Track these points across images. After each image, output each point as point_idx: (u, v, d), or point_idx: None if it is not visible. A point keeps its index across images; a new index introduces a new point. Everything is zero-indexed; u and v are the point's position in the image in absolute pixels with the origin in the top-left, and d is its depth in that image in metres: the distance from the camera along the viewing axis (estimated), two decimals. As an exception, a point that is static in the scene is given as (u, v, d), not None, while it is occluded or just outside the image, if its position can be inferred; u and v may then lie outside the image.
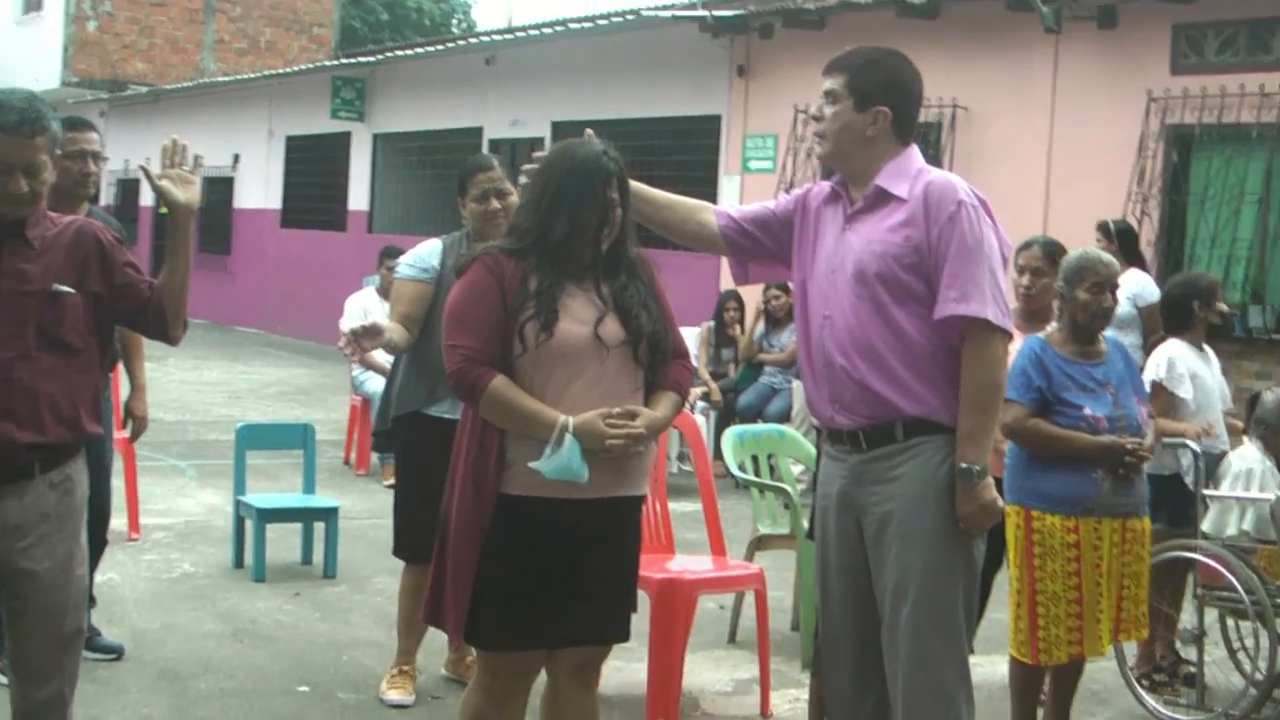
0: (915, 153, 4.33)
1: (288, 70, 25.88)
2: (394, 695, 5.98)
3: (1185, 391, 6.54)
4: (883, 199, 4.23)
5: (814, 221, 4.40)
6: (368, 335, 5.24)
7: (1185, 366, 6.59)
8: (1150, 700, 6.33)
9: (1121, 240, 9.51)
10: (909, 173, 4.24)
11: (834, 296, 4.23)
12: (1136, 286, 9.00)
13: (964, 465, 4.09)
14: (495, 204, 5.76)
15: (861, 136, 4.25)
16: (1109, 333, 5.68)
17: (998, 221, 4.23)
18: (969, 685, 4.22)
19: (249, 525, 8.03)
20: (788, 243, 4.47)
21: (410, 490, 5.92)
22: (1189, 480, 6.41)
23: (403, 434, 5.97)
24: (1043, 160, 12.62)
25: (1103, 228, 9.65)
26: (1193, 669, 6.43)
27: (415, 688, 6.04)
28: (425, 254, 5.93)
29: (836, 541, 4.34)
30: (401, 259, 6.07)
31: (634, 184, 4.39)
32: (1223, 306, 6.83)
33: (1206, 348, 6.89)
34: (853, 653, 4.33)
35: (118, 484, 7.01)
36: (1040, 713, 5.78)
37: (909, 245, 4.14)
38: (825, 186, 4.43)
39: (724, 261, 15.34)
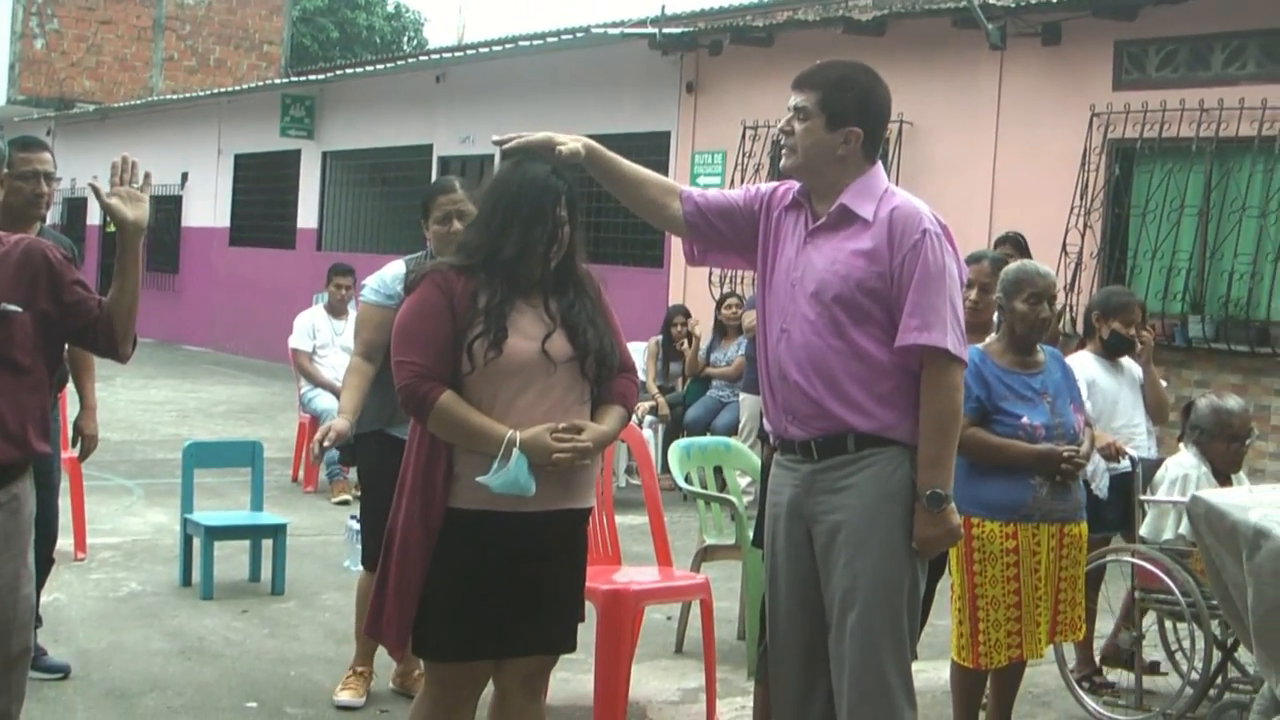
0: (880, 171, 4.34)
1: (237, 88, 25.86)
2: (344, 696, 6.09)
3: None
4: (847, 218, 4.23)
5: (775, 227, 4.39)
6: (338, 440, 5.67)
7: (1082, 373, 6.73)
8: (1090, 702, 6.45)
9: (1019, 249, 9.62)
10: (874, 193, 4.25)
11: (792, 311, 4.25)
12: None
13: (933, 490, 4.13)
14: (456, 225, 5.81)
15: (832, 155, 4.24)
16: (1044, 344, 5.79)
17: (957, 248, 4.27)
18: (912, 692, 4.27)
19: (196, 543, 8.02)
20: (748, 235, 4.45)
21: (374, 504, 6.02)
22: (1095, 486, 6.54)
23: (365, 451, 6.06)
24: (987, 174, 12.75)
25: (1013, 241, 9.67)
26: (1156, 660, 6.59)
27: (367, 690, 6.12)
28: (389, 279, 5.99)
29: (786, 549, 4.37)
30: (367, 282, 6.11)
31: (605, 153, 4.39)
32: (1120, 327, 6.92)
33: (1127, 361, 7.04)
34: (799, 660, 4.37)
35: (64, 503, 7.00)
36: (982, 716, 5.87)
37: (871, 271, 4.16)
38: (788, 191, 4.40)
39: (672, 276, 15.49)
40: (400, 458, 4.42)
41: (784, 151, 4.35)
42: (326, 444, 5.73)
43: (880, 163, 4.37)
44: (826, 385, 4.19)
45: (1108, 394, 6.88)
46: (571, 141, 4.29)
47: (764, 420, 4.50)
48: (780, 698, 4.47)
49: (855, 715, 4.19)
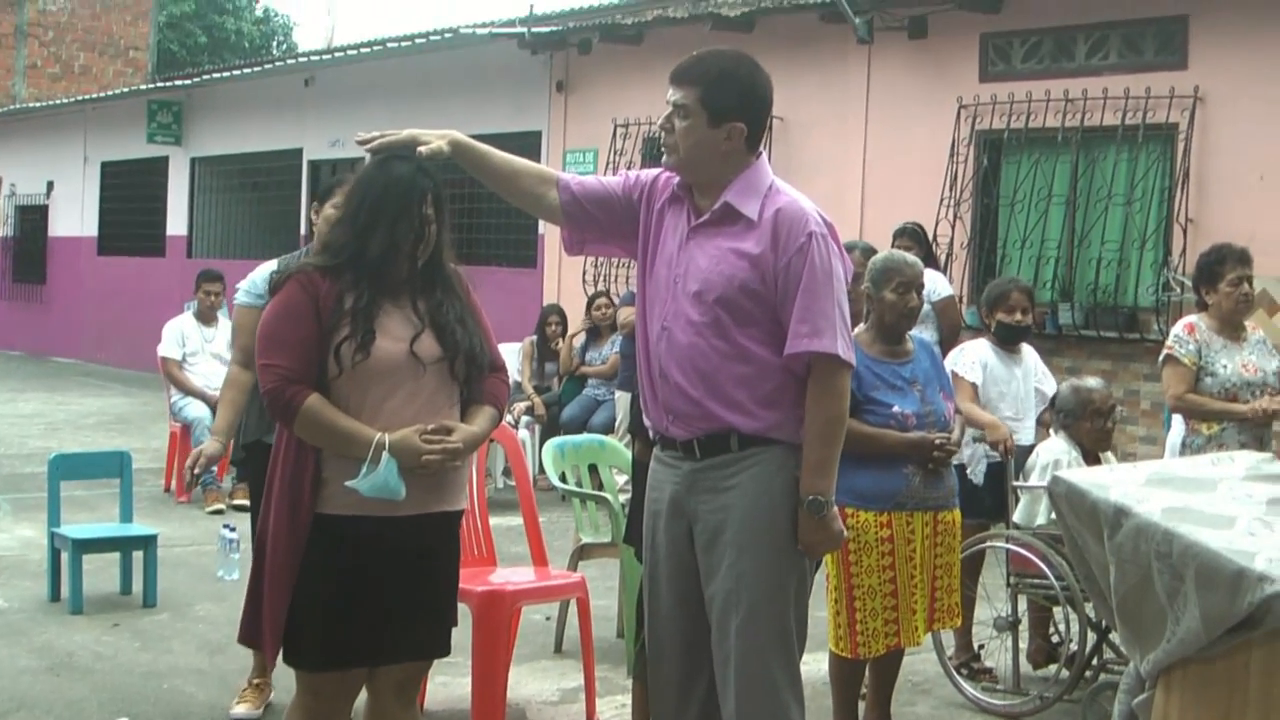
0: (763, 165, 4.23)
1: (103, 95, 25.38)
2: (239, 709, 5.97)
3: (974, 377, 6.83)
4: (730, 216, 4.14)
5: (656, 220, 4.30)
6: (209, 464, 5.74)
7: (976, 356, 6.90)
8: (969, 688, 6.51)
9: (918, 242, 9.75)
10: (759, 190, 4.16)
11: (673, 309, 4.18)
12: (930, 284, 9.20)
13: (814, 497, 4.09)
14: None
15: (715, 152, 4.13)
16: (914, 331, 5.83)
17: (842, 246, 4.20)
18: (800, 691, 4.25)
19: (64, 557, 7.84)
20: (627, 225, 4.35)
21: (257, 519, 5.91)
22: (970, 472, 6.64)
23: (251, 461, 5.96)
24: (858, 168, 12.83)
25: (912, 233, 9.82)
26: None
27: (264, 701, 6.00)
28: (258, 280, 5.89)
29: (666, 546, 4.32)
30: (239, 285, 6.00)
31: (474, 146, 4.29)
32: (1004, 316, 7.01)
33: (1025, 349, 7.12)
34: (678, 656, 4.33)
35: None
36: (862, 706, 5.89)
37: (755, 273, 4.08)
38: (669, 182, 4.29)
39: (546, 276, 15.46)
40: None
41: (664, 149, 4.23)
42: (198, 470, 5.68)
43: (764, 155, 4.27)
44: (708, 386, 4.14)
45: (998, 381, 6.94)
46: (436, 139, 4.20)
47: (644, 416, 4.44)
48: (659, 694, 4.43)
49: (742, 715, 4.16)
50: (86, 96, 25.86)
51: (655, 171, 4.39)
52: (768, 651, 4.14)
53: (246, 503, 8.06)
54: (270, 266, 5.91)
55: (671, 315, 4.19)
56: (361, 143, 4.26)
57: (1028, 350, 7.19)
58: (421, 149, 4.17)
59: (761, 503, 4.13)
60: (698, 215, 4.22)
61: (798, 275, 4.06)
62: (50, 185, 25.39)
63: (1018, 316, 7.01)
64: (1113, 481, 3.58)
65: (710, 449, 4.18)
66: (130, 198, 23.85)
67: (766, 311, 4.11)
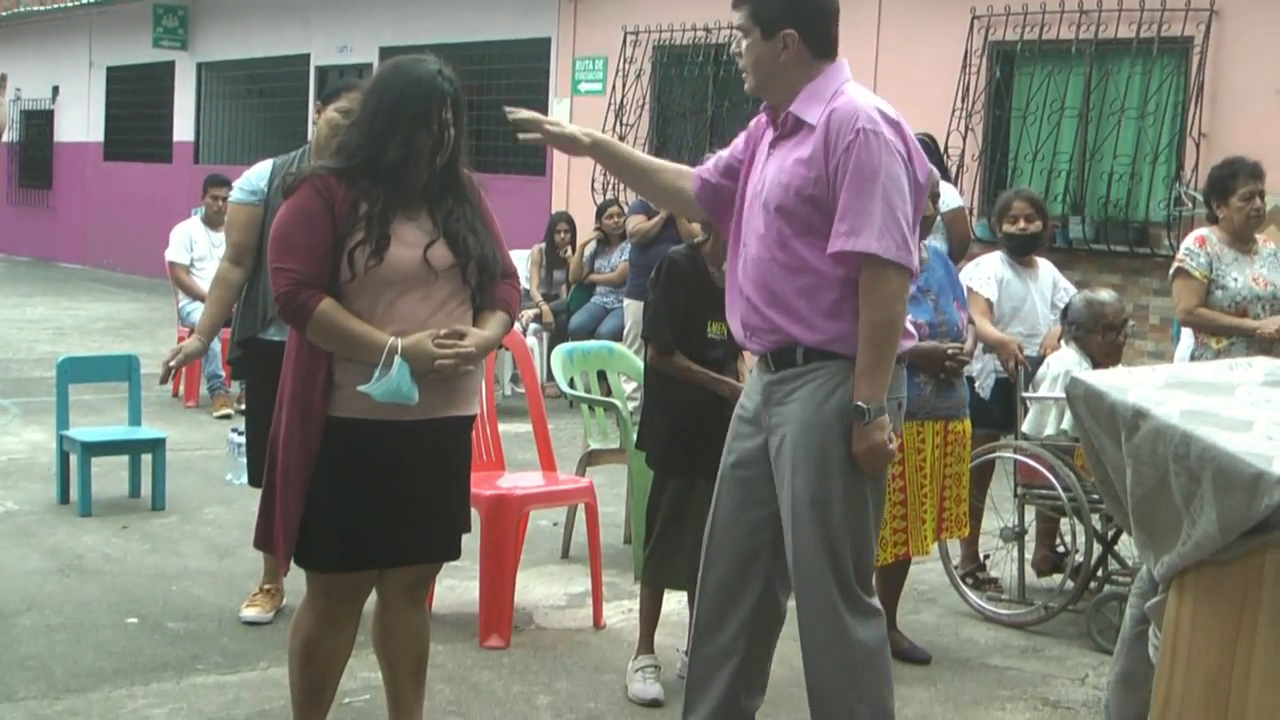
0: (835, 70, 4.18)
1: (107, -2, 25.22)
2: (249, 613, 6.00)
3: (989, 292, 6.80)
4: (798, 126, 4.14)
5: (754, 150, 4.35)
6: (187, 360, 5.80)
7: (991, 271, 6.86)
8: (974, 597, 6.54)
9: (929, 153, 9.70)
10: (824, 96, 4.12)
11: (751, 224, 4.21)
12: (940, 195, 9.18)
13: (858, 404, 4.03)
14: None
15: (775, 64, 4.14)
16: (928, 241, 5.80)
17: (912, 145, 4.13)
18: (859, 604, 4.19)
19: (74, 460, 7.88)
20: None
21: (254, 417, 5.88)
22: (979, 386, 6.65)
23: (247, 361, 5.93)
24: (868, 77, 12.69)
25: (923, 144, 9.80)
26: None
27: (275, 607, 6.04)
28: (254, 177, 5.87)
29: (738, 454, 4.34)
30: (236, 183, 5.99)
31: (615, 144, 4.48)
32: (1008, 226, 7.01)
33: (1042, 264, 7.09)
34: (731, 564, 4.34)
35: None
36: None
37: (810, 177, 4.05)
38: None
39: (555, 183, 15.38)
40: (274, 361, 4.34)
41: (743, 75, 4.27)
42: (173, 364, 5.68)
43: (840, 60, 4.21)
44: (772, 299, 4.15)
45: (1013, 296, 6.92)
46: (578, 131, 4.43)
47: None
48: (706, 597, 4.40)
49: (805, 628, 4.20)
50: (91, 0, 25.65)
51: (761, 116, 4.40)
52: (820, 568, 4.13)
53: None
54: (264, 165, 5.89)
55: (749, 232, 4.23)
56: (509, 113, 4.38)
57: (1044, 265, 7.15)
58: (551, 128, 4.40)
59: (815, 416, 4.12)
60: (775, 132, 4.25)
61: (843, 173, 4.01)
62: (55, 90, 25.28)
63: (1021, 224, 6.97)
64: (1131, 384, 3.56)
65: (780, 362, 4.20)
66: (136, 103, 23.75)
67: (825, 218, 4.06)
